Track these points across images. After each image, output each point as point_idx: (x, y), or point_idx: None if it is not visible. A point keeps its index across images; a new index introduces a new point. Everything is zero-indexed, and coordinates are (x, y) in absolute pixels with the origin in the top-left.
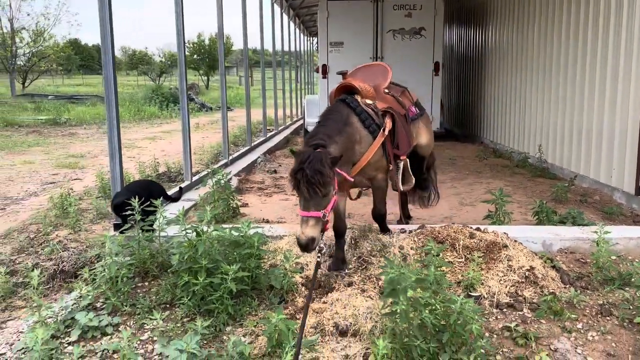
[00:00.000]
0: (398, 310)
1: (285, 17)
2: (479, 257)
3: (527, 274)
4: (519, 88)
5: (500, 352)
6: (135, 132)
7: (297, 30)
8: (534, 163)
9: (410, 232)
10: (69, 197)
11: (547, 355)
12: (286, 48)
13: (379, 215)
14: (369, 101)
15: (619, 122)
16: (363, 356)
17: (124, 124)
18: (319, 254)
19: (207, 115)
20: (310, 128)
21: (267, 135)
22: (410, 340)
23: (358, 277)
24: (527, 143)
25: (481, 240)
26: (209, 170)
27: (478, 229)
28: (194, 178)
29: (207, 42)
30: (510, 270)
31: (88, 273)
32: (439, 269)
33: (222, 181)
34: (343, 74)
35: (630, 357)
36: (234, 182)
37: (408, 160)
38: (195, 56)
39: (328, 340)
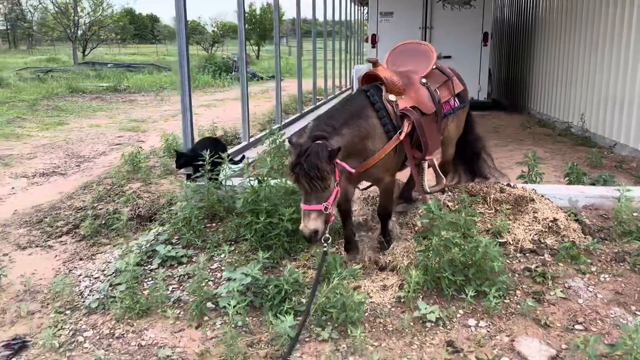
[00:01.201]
0: (431, 247)
1: None
2: (507, 209)
3: (550, 225)
4: (565, 58)
5: (520, 288)
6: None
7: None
8: (577, 132)
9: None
10: (139, 154)
11: (561, 291)
12: (337, 18)
13: (386, 215)
14: (392, 97)
15: None
16: (399, 286)
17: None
18: (325, 244)
19: (258, 85)
20: None
21: (317, 104)
22: (440, 272)
23: (395, 223)
24: (571, 112)
25: (510, 195)
26: (267, 131)
27: (508, 185)
28: (251, 140)
29: (258, 12)
30: (535, 221)
31: (166, 214)
32: (470, 217)
33: (277, 140)
34: (374, 63)
35: (637, 295)
36: (287, 144)
37: (434, 159)
38: (246, 26)
39: (369, 273)
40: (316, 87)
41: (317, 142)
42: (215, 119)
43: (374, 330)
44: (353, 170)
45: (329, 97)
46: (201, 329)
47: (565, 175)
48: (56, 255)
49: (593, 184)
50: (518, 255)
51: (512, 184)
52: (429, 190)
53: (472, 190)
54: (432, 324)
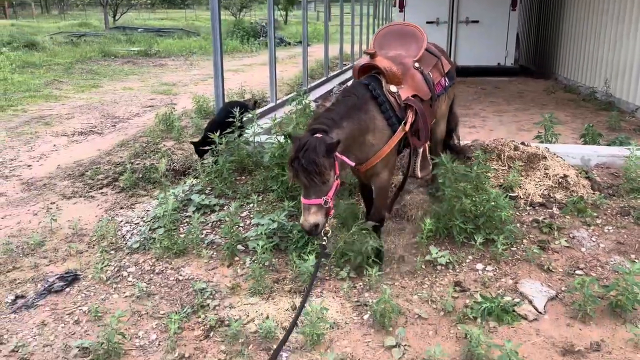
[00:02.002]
0: (443, 197)
1: None
2: (520, 165)
3: (560, 181)
4: (592, 23)
5: (527, 237)
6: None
7: None
8: (601, 97)
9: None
10: (171, 115)
11: (565, 240)
12: None
13: (379, 219)
14: (393, 88)
15: None
16: (413, 233)
17: (208, 57)
18: (325, 237)
19: (285, 50)
20: None
21: (343, 68)
22: (451, 221)
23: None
24: (596, 78)
25: (523, 153)
26: (294, 93)
27: (522, 143)
28: (278, 102)
29: None
30: (546, 177)
31: (199, 166)
32: (482, 171)
33: (303, 102)
34: (371, 55)
35: (637, 245)
36: (312, 106)
37: (427, 145)
38: None
39: (386, 221)
40: (343, 52)
41: (316, 135)
42: (243, 83)
43: (388, 271)
44: (353, 164)
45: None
46: (232, 267)
47: (581, 136)
48: (98, 205)
49: (609, 145)
50: (528, 208)
51: (526, 143)
52: (420, 176)
53: (487, 148)
54: (442, 267)
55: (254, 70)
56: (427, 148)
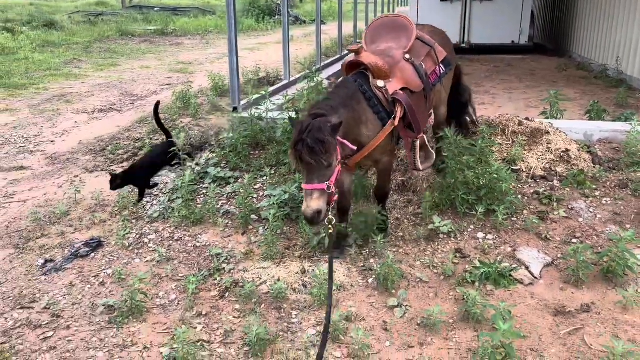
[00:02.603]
0: (447, 170)
1: None
2: (523, 140)
3: (562, 155)
4: (605, 1)
5: (527, 208)
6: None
7: None
8: (612, 75)
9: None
10: (188, 92)
11: (564, 211)
12: None
13: (383, 195)
14: (380, 83)
15: None
16: (418, 204)
17: (223, 36)
18: (330, 226)
19: (300, 28)
20: None
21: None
22: (454, 192)
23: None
24: (609, 55)
25: (527, 128)
26: (307, 71)
27: (527, 119)
28: (291, 79)
29: None
30: (548, 151)
31: (215, 141)
32: (486, 145)
33: (315, 79)
34: (356, 52)
35: (633, 216)
36: (325, 84)
37: (425, 136)
38: None
39: (392, 194)
40: (357, 30)
41: (318, 119)
42: (258, 62)
43: (393, 239)
44: (354, 148)
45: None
46: (246, 235)
47: (586, 112)
48: None
49: (614, 122)
50: (529, 181)
51: (530, 118)
52: (421, 168)
53: (492, 123)
54: (445, 236)
55: (269, 49)
56: (425, 139)
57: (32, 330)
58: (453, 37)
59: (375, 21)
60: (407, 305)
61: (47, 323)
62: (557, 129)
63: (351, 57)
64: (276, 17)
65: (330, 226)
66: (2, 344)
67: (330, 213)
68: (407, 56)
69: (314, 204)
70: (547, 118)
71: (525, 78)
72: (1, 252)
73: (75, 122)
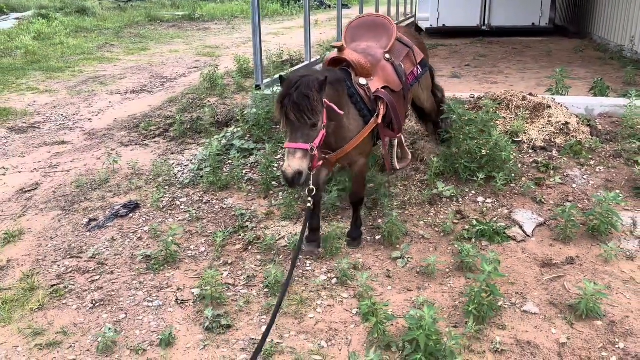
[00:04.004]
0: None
1: None
2: (525, 114)
3: (562, 127)
4: None
5: (526, 175)
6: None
7: None
8: (628, 55)
9: (475, 96)
10: (215, 73)
11: (559, 178)
12: None
13: (358, 200)
14: (362, 81)
15: None
16: (424, 172)
17: (249, 20)
18: (310, 198)
19: (325, 13)
20: (421, 24)
21: None
22: (457, 160)
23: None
24: (626, 36)
25: (530, 102)
26: (326, 53)
27: (530, 94)
28: (312, 60)
29: None
30: (549, 124)
31: (240, 117)
32: (488, 117)
33: None
34: (339, 49)
35: (623, 182)
36: None
37: (402, 136)
38: None
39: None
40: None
41: (306, 76)
42: (282, 45)
43: (400, 202)
44: (341, 112)
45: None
46: (267, 198)
47: (590, 89)
48: (152, 151)
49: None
50: (530, 151)
51: (533, 94)
52: (398, 168)
53: (497, 99)
54: (447, 199)
55: (294, 33)
56: (402, 139)
57: (81, 274)
58: (473, 19)
59: (356, 20)
60: (408, 257)
61: (94, 269)
62: (559, 104)
63: (333, 53)
64: (301, 1)
65: (310, 198)
66: (57, 284)
67: (310, 181)
68: (388, 56)
69: (296, 163)
70: (552, 94)
71: (541, 59)
72: (50, 213)
73: (110, 102)
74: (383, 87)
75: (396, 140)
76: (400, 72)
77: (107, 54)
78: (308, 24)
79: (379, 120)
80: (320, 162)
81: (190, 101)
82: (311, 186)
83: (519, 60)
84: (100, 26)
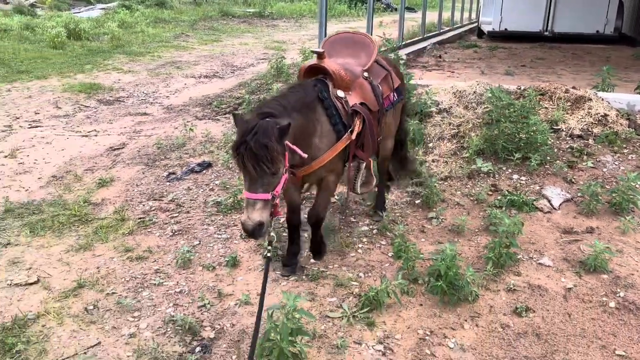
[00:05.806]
0: (492, 121)
1: None
2: (567, 105)
3: (600, 119)
4: None
5: (560, 159)
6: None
7: None
8: None
9: (521, 88)
10: (282, 62)
11: (591, 163)
12: None
13: (318, 220)
14: (340, 93)
15: None
16: (466, 150)
17: (317, 20)
18: (268, 247)
19: (390, 15)
20: (484, 27)
21: (441, 30)
22: (496, 141)
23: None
24: None
25: (572, 95)
26: (386, 47)
27: (573, 87)
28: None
29: None
30: (588, 115)
31: None
32: (529, 104)
33: (393, 55)
34: (319, 54)
35: None
36: (404, 58)
37: (372, 161)
38: None
39: (446, 142)
40: (441, 17)
41: (266, 119)
42: None
43: (441, 175)
44: (305, 155)
45: (454, 26)
46: None
47: (635, 87)
48: (223, 124)
49: None
50: (567, 138)
51: (576, 87)
52: (359, 192)
53: (542, 90)
54: (484, 174)
55: None
56: (371, 163)
57: (163, 212)
58: (536, 24)
59: (333, 36)
60: (442, 218)
61: (173, 209)
62: (601, 98)
63: (311, 61)
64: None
65: (268, 247)
66: (142, 218)
67: (271, 228)
68: (366, 74)
69: (256, 215)
70: (598, 91)
71: (598, 63)
72: (135, 167)
73: (185, 84)
74: (361, 104)
75: (364, 163)
76: (378, 93)
77: (182, 43)
78: (371, 25)
79: (353, 137)
80: (279, 213)
81: (258, 85)
82: (272, 234)
83: (576, 64)
84: (176, 18)
